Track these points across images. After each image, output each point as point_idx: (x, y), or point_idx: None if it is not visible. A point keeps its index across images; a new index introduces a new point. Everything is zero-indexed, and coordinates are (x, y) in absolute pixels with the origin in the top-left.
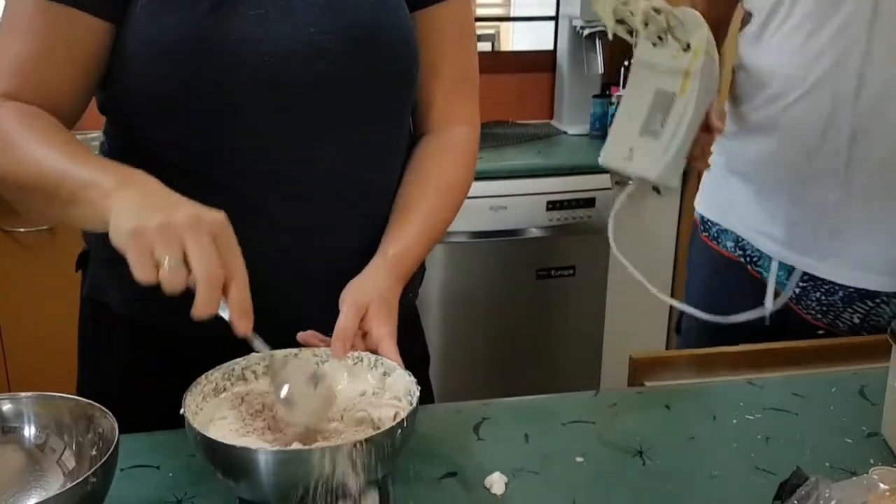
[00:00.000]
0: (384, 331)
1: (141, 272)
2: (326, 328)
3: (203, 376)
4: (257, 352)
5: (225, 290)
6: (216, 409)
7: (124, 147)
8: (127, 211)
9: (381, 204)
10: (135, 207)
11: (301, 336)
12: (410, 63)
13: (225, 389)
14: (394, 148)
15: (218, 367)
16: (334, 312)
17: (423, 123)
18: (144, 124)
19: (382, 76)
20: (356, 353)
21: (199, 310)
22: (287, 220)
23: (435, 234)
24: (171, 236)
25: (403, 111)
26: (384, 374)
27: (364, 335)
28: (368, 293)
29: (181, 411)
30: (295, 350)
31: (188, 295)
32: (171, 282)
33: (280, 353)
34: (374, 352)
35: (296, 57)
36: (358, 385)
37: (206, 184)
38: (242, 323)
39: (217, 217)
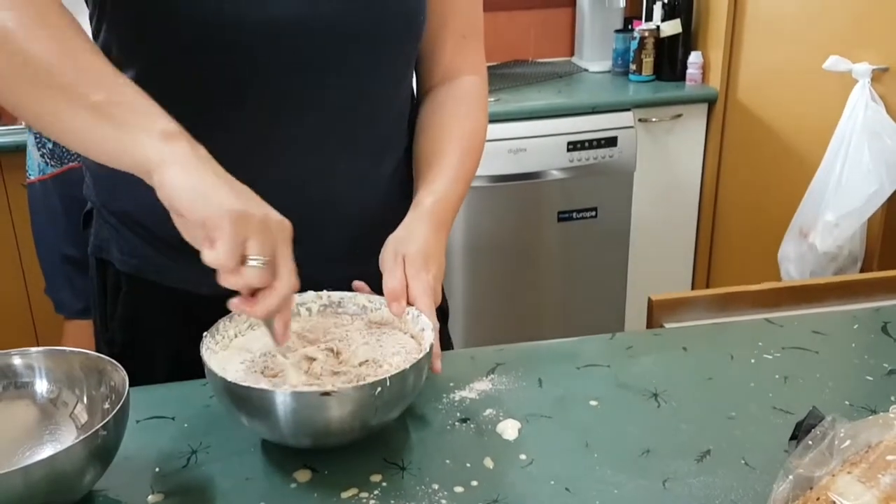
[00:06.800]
0: (418, 287)
1: (226, 258)
2: (326, 281)
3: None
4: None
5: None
6: (251, 342)
7: None
8: (198, 177)
9: (382, 157)
10: (204, 176)
11: (356, 284)
12: (417, 8)
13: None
14: (398, 101)
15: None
16: (332, 264)
17: (430, 76)
18: (148, 67)
19: (387, 20)
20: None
21: (259, 314)
22: (286, 170)
23: (466, 183)
24: (268, 237)
25: (408, 60)
26: (422, 329)
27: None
28: (406, 248)
29: (203, 333)
30: (350, 294)
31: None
32: (251, 282)
33: (336, 295)
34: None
35: None
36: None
37: (207, 129)
38: (285, 338)
39: (287, 221)
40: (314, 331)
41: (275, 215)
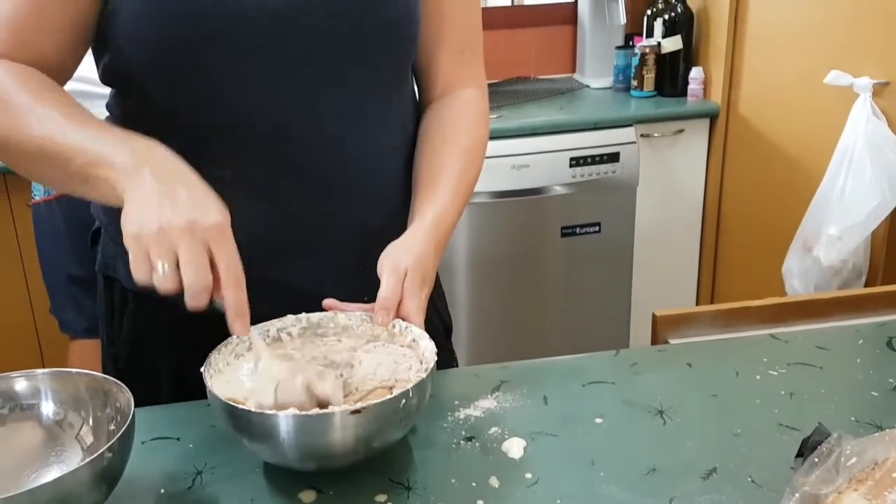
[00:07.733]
0: (413, 305)
1: (136, 273)
2: (327, 296)
3: (234, 336)
4: (251, 348)
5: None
6: (239, 369)
7: (129, 119)
8: (137, 204)
9: (381, 168)
10: (145, 201)
11: (326, 303)
12: (407, 19)
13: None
14: (395, 112)
15: (253, 327)
16: (333, 279)
17: (430, 90)
18: (143, 89)
19: (377, 30)
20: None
21: (190, 307)
22: (284, 185)
23: (466, 197)
24: (166, 243)
25: (402, 71)
26: (413, 340)
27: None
28: (406, 259)
29: (201, 369)
30: (330, 314)
31: None
32: (164, 286)
33: (315, 316)
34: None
35: (286, 9)
36: (390, 350)
37: (206, 155)
38: (237, 324)
39: (214, 222)
40: (303, 354)
41: (183, 218)
